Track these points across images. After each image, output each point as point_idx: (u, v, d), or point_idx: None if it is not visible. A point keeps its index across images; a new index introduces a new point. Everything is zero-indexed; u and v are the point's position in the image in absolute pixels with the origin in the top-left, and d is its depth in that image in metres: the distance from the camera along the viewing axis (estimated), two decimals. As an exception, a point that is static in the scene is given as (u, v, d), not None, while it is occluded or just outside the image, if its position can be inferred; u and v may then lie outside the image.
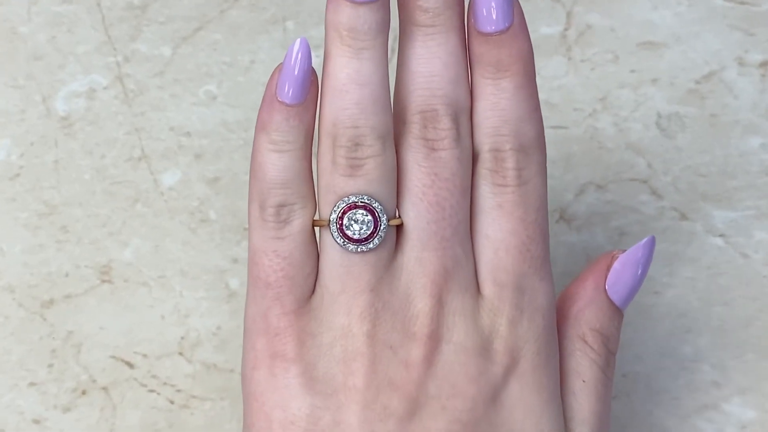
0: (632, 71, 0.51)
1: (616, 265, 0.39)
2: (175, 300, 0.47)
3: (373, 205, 0.36)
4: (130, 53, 0.50)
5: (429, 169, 0.37)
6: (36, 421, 0.44)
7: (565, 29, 0.51)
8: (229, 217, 0.48)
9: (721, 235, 0.48)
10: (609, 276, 0.39)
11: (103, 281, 0.47)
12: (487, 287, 0.38)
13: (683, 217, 0.49)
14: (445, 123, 0.37)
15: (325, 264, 0.37)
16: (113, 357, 0.45)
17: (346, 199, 0.36)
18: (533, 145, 0.38)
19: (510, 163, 0.38)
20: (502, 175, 0.38)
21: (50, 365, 0.45)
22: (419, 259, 0.37)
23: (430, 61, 0.37)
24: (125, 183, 0.48)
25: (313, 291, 0.38)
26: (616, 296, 0.40)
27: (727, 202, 0.48)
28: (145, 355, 0.46)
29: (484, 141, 0.38)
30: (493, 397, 0.37)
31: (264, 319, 0.37)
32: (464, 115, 0.38)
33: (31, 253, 0.47)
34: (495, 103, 0.38)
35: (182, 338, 0.46)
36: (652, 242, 0.39)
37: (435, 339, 0.37)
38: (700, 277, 0.48)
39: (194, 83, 0.50)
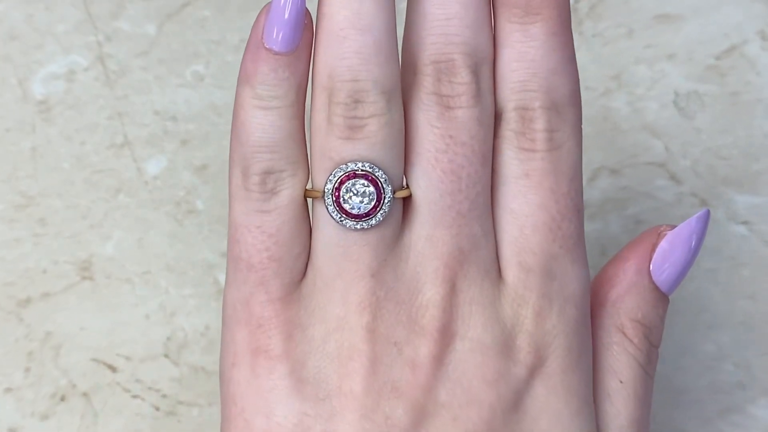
0: (647, 46, 0.48)
1: (663, 243, 0.35)
2: (161, 298, 0.45)
3: (376, 174, 0.32)
4: (111, 32, 0.48)
5: (443, 131, 0.32)
6: (12, 430, 0.43)
7: (576, 1, 0.49)
8: (218, 208, 0.46)
9: (744, 223, 0.46)
10: (654, 256, 0.35)
11: (84, 278, 0.45)
12: (511, 272, 0.33)
13: (703, 203, 0.47)
14: (463, 76, 0.32)
15: (318, 243, 0.33)
16: (94, 360, 0.44)
17: (344, 166, 0.32)
18: (567, 102, 0.33)
19: (539, 123, 0.33)
20: (529, 138, 0.33)
21: (27, 369, 0.44)
22: (430, 238, 0.32)
23: (446, 2, 0.32)
24: (107, 171, 0.47)
25: (304, 275, 0.33)
26: (662, 280, 0.35)
27: (750, 186, 0.47)
28: (128, 358, 0.44)
29: (509, 98, 0.33)
30: (515, 403, 0.32)
31: (246, 306, 0.33)
32: (486, 67, 0.33)
33: (7, 247, 0.45)
34: (523, 53, 0.33)
35: (168, 339, 0.45)
36: (707, 216, 0.34)
37: (447, 334, 0.32)
38: (721, 268, 0.45)
39: (180, 63, 0.48)
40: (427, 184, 0.32)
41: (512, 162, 0.33)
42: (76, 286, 0.45)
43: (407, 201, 0.33)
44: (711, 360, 0.44)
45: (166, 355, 0.44)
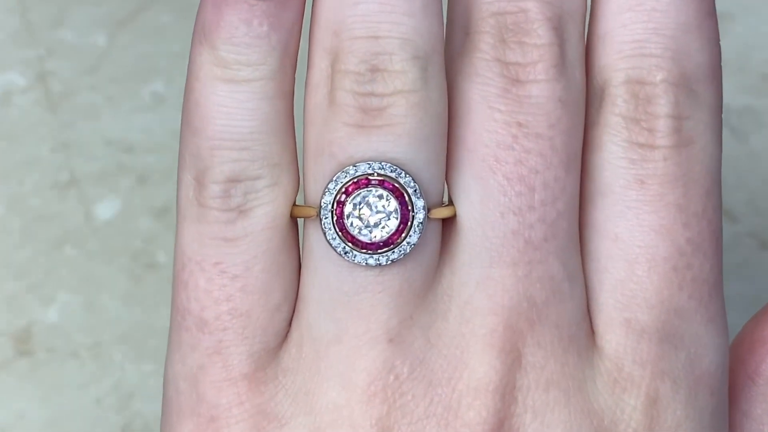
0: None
1: None
2: (115, 376, 0.41)
3: (402, 181, 0.24)
4: (54, 44, 0.45)
5: (508, 117, 0.24)
6: None
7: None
8: (183, 262, 0.40)
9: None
10: None
11: (21, 353, 0.41)
12: (611, 335, 0.25)
13: (764, 245, 0.43)
14: (539, 34, 0.24)
15: (309, 288, 0.25)
16: (35, 457, 0.41)
17: (352, 168, 0.24)
18: (704, 76, 0.25)
19: (662, 106, 0.25)
20: (646, 128, 0.25)
21: (-46, 471, 0.40)
22: (483, 283, 0.24)
23: None
24: (49, 217, 0.43)
25: (286, 338, 0.25)
26: None
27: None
28: (76, 454, 0.41)
29: (615, 65, 0.25)
30: None
31: (194, 387, 0.25)
32: (574, 24, 0.25)
33: (-71, 315, 0.42)
34: (639, 0, 0.25)
35: (124, 428, 0.40)
36: None
37: None
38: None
39: (136, 81, 0.45)
40: (482, 197, 0.24)
41: (617, 163, 0.25)
42: (12, 363, 0.41)
43: (449, 224, 0.25)
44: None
45: (122, 450, 0.42)
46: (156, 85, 0.45)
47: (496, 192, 0.24)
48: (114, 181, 0.44)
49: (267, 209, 0.25)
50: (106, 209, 0.44)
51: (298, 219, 0.26)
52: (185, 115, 0.26)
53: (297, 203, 0.26)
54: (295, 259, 0.26)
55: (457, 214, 0.24)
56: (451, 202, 0.25)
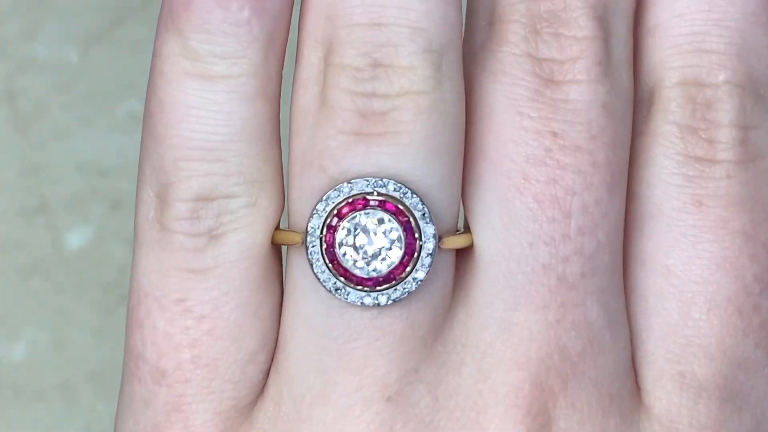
0: None
1: None
2: (86, 417, 0.40)
3: (408, 202, 0.21)
4: (24, 59, 0.43)
5: (540, 124, 0.21)
6: None
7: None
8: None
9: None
10: None
11: None
12: (661, 393, 0.22)
13: None
14: (581, 25, 0.21)
15: (292, 330, 0.22)
16: (0, 508, 0.39)
17: (347, 186, 0.21)
18: None
19: (725, 113, 0.21)
20: (705, 138, 0.21)
21: None
22: (506, 330, 0.21)
23: None
24: (16, 246, 0.42)
25: (262, 392, 0.23)
26: None
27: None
28: (43, 505, 0.39)
29: (669, 63, 0.22)
30: None
31: None
32: (621, 13, 0.22)
33: None
34: None
35: None
36: None
37: None
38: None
39: (111, 100, 0.43)
40: (506, 224, 0.21)
41: (670, 180, 0.22)
42: (-25, 405, 0.42)
43: (464, 256, 0.22)
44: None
45: (92, 500, 0.40)
46: (132, 104, 0.44)
47: (523, 217, 0.21)
48: (86, 208, 0.43)
49: (243, 235, 0.22)
50: (77, 238, 0.43)
51: (281, 247, 0.23)
52: (147, 119, 0.22)
53: (279, 228, 0.22)
54: (275, 296, 0.22)
55: (475, 243, 0.21)
56: (467, 229, 0.22)
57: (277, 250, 0.23)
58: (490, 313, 0.21)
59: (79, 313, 0.41)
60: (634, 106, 0.22)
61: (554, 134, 0.21)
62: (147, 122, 0.22)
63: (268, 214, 0.22)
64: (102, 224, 0.42)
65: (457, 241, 0.21)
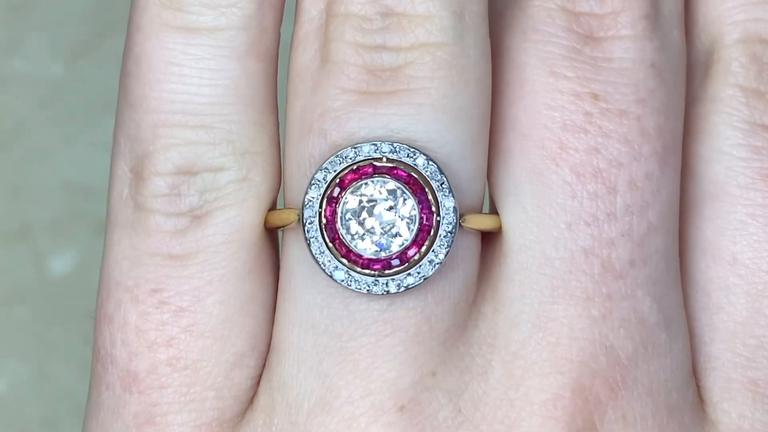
0: None
1: None
2: None
3: (424, 171, 0.18)
4: (7, 73, 0.42)
5: (579, 86, 0.19)
6: None
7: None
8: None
9: None
10: None
11: None
12: (731, 404, 0.19)
13: None
14: None
15: (286, 327, 0.20)
16: None
17: (351, 151, 0.18)
18: None
19: None
20: None
21: None
22: (542, 326, 0.19)
23: None
24: None
25: (253, 397, 0.20)
26: None
27: None
28: None
29: (728, 17, 0.20)
30: None
31: None
32: None
33: None
34: None
35: None
36: None
37: None
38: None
39: (96, 115, 0.43)
40: (540, 201, 0.19)
41: (734, 153, 0.19)
42: (-46, 443, 0.39)
43: (491, 241, 0.19)
44: None
45: None
46: (119, 120, 0.42)
47: (560, 193, 0.18)
48: (70, 231, 0.42)
49: (231, 214, 0.19)
50: (60, 263, 0.42)
51: (276, 232, 0.20)
52: (122, 80, 0.19)
53: (276, 208, 0.20)
54: (268, 289, 0.20)
55: (504, 226, 0.18)
56: (493, 210, 0.19)
57: (272, 235, 0.20)
58: (522, 307, 0.18)
59: (62, 343, 0.41)
60: (687, 69, 0.20)
61: (595, 96, 0.18)
62: (122, 84, 0.20)
63: (261, 192, 0.19)
64: (87, 248, 0.41)
65: (483, 222, 0.18)
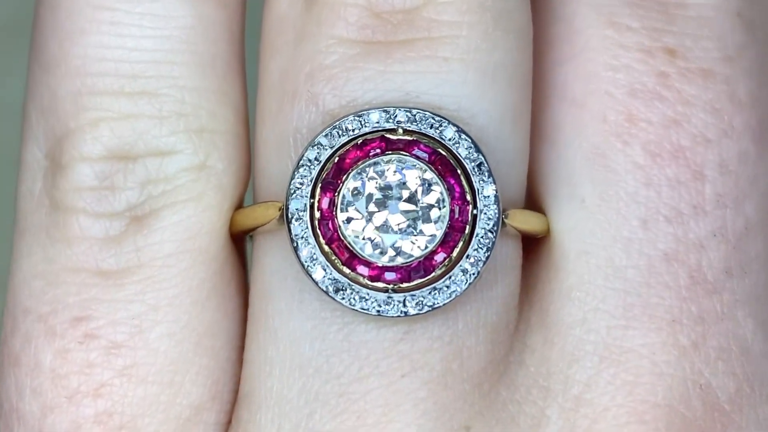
0: None
1: None
2: None
3: (453, 147, 0.13)
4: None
5: (648, 39, 0.13)
6: None
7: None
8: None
9: None
10: None
11: None
12: None
13: None
14: None
15: (262, 368, 0.14)
16: None
17: (354, 120, 0.13)
18: None
19: None
20: None
21: None
22: (612, 360, 0.13)
23: None
24: None
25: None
26: None
27: None
28: None
29: None
30: None
31: None
32: None
33: None
34: None
35: None
36: None
37: None
38: None
39: None
40: (603, 191, 0.13)
41: None
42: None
43: (535, 247, 0.14)
44: None
45: None
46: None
47: (630, 180, 0.14)
48: None
49: (184, 215, 0.14)
50: None
51: (244, 237, 0.14)
52: (34, 34, 0.14)
53: (244, 206, 0.14)
54: (235, 315, 0.15)
55: (553, 228, 0.14)
56: (533, 207, 0.14)
57: (239, 244, 0.15)
58: (584, 335, 0.14)
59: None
60: None
61: (671, 52, 0.14)
62: (33, 40, 0.15)
63: (224, 183, 0.15)
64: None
65: (529, 221, 0.14)
